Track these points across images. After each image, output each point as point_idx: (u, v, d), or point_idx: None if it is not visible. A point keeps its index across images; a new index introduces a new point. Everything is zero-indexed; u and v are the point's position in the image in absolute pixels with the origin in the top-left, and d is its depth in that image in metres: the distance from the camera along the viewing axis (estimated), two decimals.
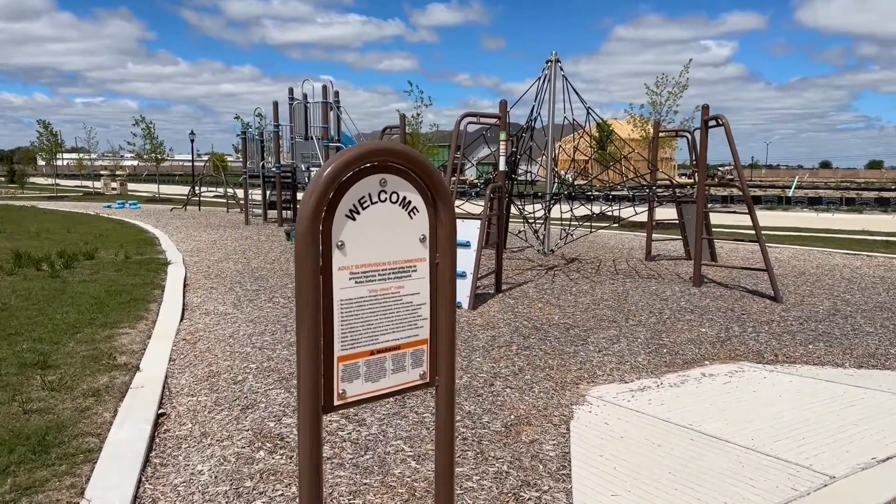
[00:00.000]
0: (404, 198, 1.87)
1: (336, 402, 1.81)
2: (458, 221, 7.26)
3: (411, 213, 1.90)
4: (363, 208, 1.80)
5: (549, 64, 9.39)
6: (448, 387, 2.01)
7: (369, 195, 1.80)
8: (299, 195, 19.64)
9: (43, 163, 63.04)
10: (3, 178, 57.38)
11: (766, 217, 20.17)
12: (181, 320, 6.45)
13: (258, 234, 15.27)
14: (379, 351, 1.88)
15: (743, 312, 6.95)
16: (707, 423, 4.02)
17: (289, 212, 18.92)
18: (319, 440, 1.77)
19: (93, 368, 4.77)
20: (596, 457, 3.53)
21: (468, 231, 7.19)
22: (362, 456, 3.43)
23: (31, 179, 59.06)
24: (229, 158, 56.10)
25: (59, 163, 47.46)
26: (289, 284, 8.48)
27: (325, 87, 17.59)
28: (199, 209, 24.63)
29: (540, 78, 9.59)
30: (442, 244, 1.97)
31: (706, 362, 5.27)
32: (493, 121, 7.64)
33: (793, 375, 5.00)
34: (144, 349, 5.36)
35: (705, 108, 8.22)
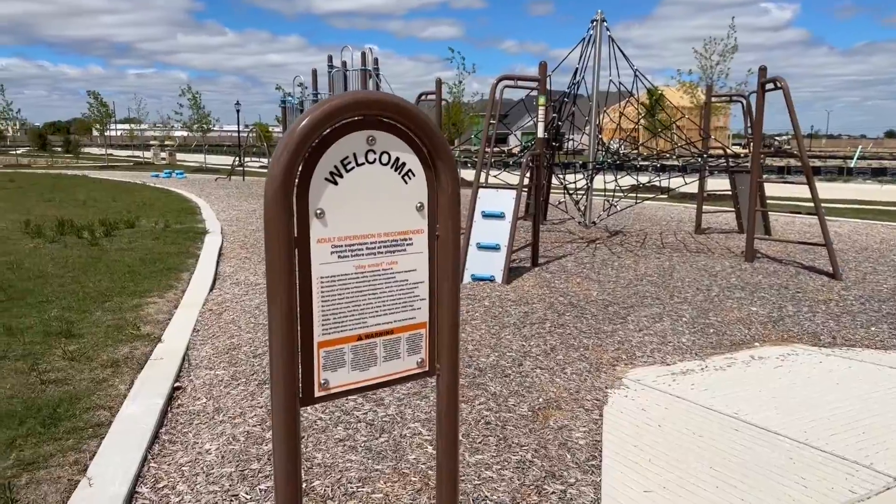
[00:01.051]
0: (397, 159, 1.61)
1: (317, 394, 1.58)
2: (492, 191, 6.96)
3: (406, 177, 1.63)
4: (347, 170, 1.54)
5: (595, 24, 8.88)
6: (450, 377, 1.76)
7: (354, 155, 1.54)
8: None
9: (97, 133, 64.87)
10: (59, 149, 59.31)
11: (826, 189, 19.10)
12: (211, 290, 6.37)
13: None
14: (368, 336, 1.63)
15: (798, 290, 6.48)
16: (755, 411, 3.68)
17: None
18: (296, 436, 1.55)
19: (115, 338, 4.71)
20: (629, 447, 3.25)
21: (503, 201, 6.87)
22: (377, 439, 3.23)
23: (86, 149, 60.91)
24: (275, 130, 56.55)
25: (112, 133, 48.65)
26: None
27: (363, 54, 17.28)
28: (244, 179, 24.84)
29: (584, 40, 9.08)
30: (444, 213, 1.70)
31: (756, 344, 4.89)
32: (532, 85, 7.25)
33: (852, 360, 4.58)
34: (170, 319, 5.28)
35: (762, 69, 7.62)
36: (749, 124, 10.29)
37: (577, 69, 9.02)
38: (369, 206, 1.58)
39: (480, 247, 6.81)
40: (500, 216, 6.84)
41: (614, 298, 6.05)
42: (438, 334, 1.74)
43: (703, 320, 5.39)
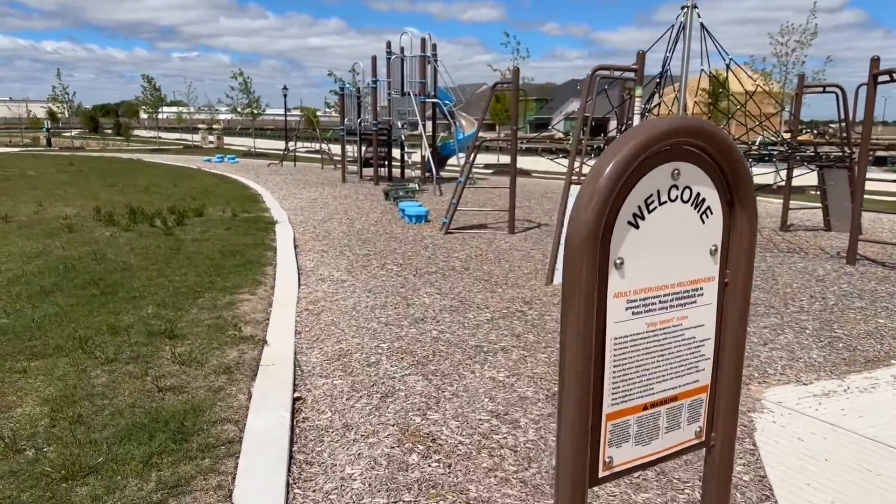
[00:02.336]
0: (698, 195, 1.35)
1: (601, 473, 1.35)
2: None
3: (703, 216, 1.38)
4: (649, 211, 1.29)
5: (685, 10, 8.42)
6: (726, 449, 1.51)
7: (658, 193, 1.30)
8: (395, 153, 19.39)
9: (145, 116, 66.04)
10: (109, 131, 60.59)
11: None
12: (299, 286, 6.24)
13: (356, 192, 15.11)
14: (653, 404, 1.40)
15: None
16: None
17: (384, 170, 18.70)
18: None
19: (220, 340, 4.59)
20: (802, 485, 2.97)
21: None
22: (526, 470, 3.01)
23: (135, 132, 62.13)
24: (319, 115, 56.81)
25: (160, 116, 49.44)
26: (397, 250, 8.17)
27: (423, 40, 17.01)
28: (295, 165, 24.91)
29: (673, 26, 8.64)
30: (737, 257, 1.44)
31: (893, 361, 4.52)
32: (629, 74, 6.89)
33: None
34: (268, 319, 5.15)
35: (875, 60, 7.11)
36: (843, 117, 9.73)
37: (666, 57, 8.60)
38: (665, 252, 1.34)
39: None
40: None
41: None
42: (718, 398, 1.49)
43: (828, 333, 5.02)
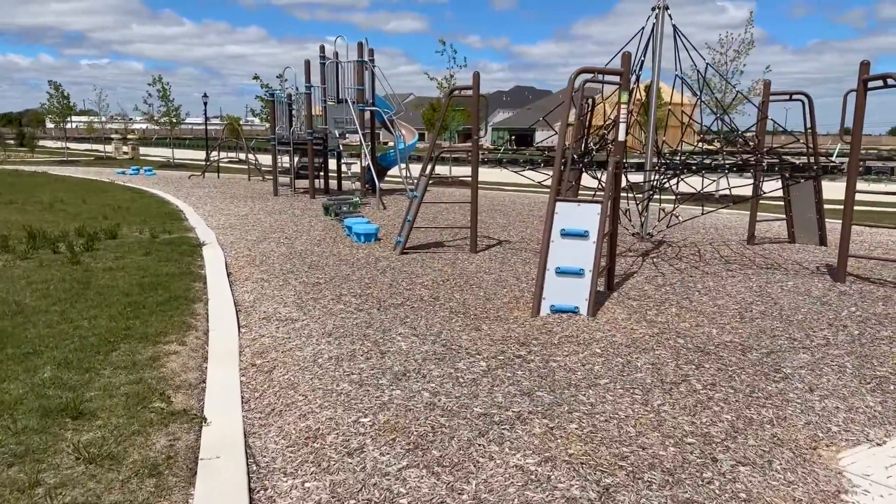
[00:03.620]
0: None
1: None
2: (572, 205, 5.85)
3: None
4: None
5: (656, 12, 7.84)
6: None
7: None
8: (331, 163, 18.22)
9: (52, 125, 61.59)
10: (12, 142, 56.07)
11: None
12: (239, 330, 5.12)
13: (291, 207, 13.89)
14: None
15: None
16: None
17: (320, 181, 17.51)
18: None
19: (142, 418, 3.46)
20: None
21: (585, 217, 5.77)
22: None
23: (41, 143, 57.75)
24: (242, 123, 54.45)
25: (69, 126, 46.01)
26: (351, 276, 7.13)
27: (360, 45, 15.98)
28: (219, 176, 23.27)
29: (643, 29, 8.05)
30: None
31: None
32: (614, 79, 6.16)
33: None
34: (204, 381, 4.05)
35: (865, 64, 6.68)
36: (810, 125, 9.41)
37: (641, 61, 7.98)
38: None
39: (560, 272, 5.71)
40: (584, 235, 5.74)
41: (742, 339, 5.01)
42: None
43: (870, 372, 4.38)
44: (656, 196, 9.05)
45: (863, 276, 7.42)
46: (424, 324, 5.26)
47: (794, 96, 9.39)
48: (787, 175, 8.80)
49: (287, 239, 9.64)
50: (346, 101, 15.85)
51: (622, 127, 6.20)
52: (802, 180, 9.38)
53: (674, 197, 8.45)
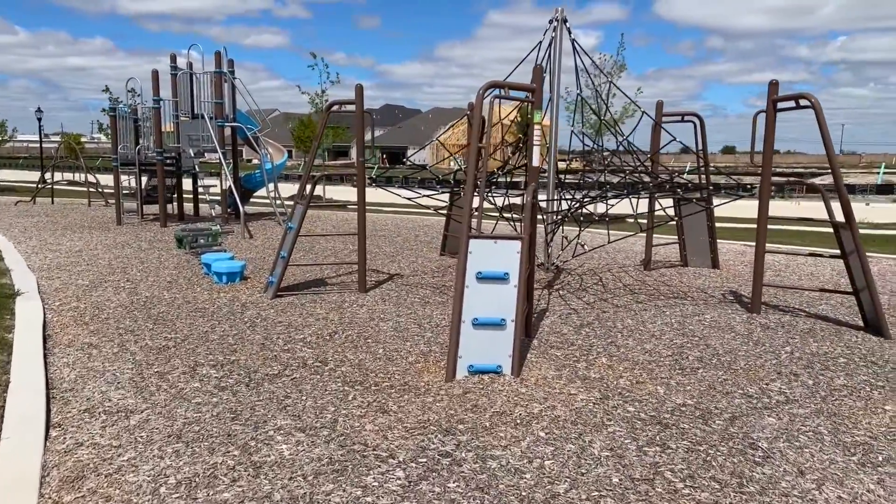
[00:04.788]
0: None
1: None
2: (489, 243, 4.89)
3: None
4: None
5: (554, 24, 7.18)
6: None
7: None
8: (187, 184, 16.19)
9: None
10: None
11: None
12: (48, 435, 3.62)
13: (137, 238, 11.92)
14: None
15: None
16: None
17: (172, 205, 15.48)
18: None
19: None
20: None
21: (504, 256, 4.83)
22: None
23: None
24: (85, 141, 49.34)
25: None
26: (211, 333, 5.72)
27: (218, 54, 14.32)
28: (52, 202, 20.21)
29: (541, 42, 7.36)
30: None
31: None
32: (522, 94, 5.31)
33: None
34: None
35: (774, 84, 6.36)
36: (701, 146, 9.22)
37: (544, 78, 7.26)
38: None
39: (478, 323, 4.71)
40: (503, 278, 4.79)
41: (695, 399, 4.25)
42: None
43: (849, 437, 3.74)
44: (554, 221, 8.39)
45: (772, 304, 7.10)
46: (312, 406, 4.03)
47: (686, 117, 9.16)
48: (680, 195, 8.47)
49: (129, 282, 7.92)
50: (203, 116, 14.08)
51: (536, 150, 5.36)
52: (695, 201, 9.13)
53: (577, 223, 7.81)
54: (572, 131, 8.17)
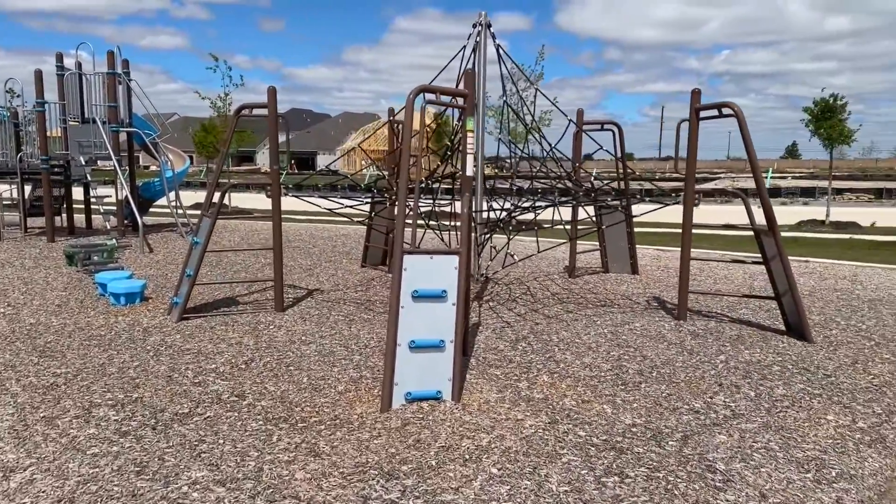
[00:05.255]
0: None
1: None
2: (424, 258, 4.55)
3: None
4: None
5: (478, 29, 6.96)
6: None
7: None
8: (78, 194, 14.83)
9: None
10: None
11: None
12: None
13: (20, 255, 10.72)
14: None
15: (830, 373, 5.14)
16: None
17: (60, 218, 14.15)
18: None
19: None
20: None
21: (441, 272, 4.50)
22: None
23: None
24: None
25: None
26: (108, 365, 5.05)
27: (111, 54, 13.20)
28: None
29: (465, 48, 7.11)
30: None
31: None
32: (452, 99, 5.01)
33: None
34: None
35: (696, 92, 6.40)
36: (620, 154, 9.29)
37: (476, 88, 6.99)
38: None
39: (415, 346, 4.36)
40: (441, 296, 4.46)
41: (644, 419, 4.08)
42: None
43: (800, 452, 3.67)
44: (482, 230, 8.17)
45: (694, 310, 7.16)
46: (231, 452, 3.54)
47: (606, 126, 9.20)
48: (606, 203, 8.48)
49: (10, 307, 7.00)
50: (95, 120, 12.93)
51: (469, 159, 5.07)
52: (620, 209, 9.19)
53: (508, 232, 7.61)
54: (499, 139, 7.90)
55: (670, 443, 3.73)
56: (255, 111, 6.90)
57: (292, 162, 77.07)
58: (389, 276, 9.15)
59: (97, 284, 7.70)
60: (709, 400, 4.43)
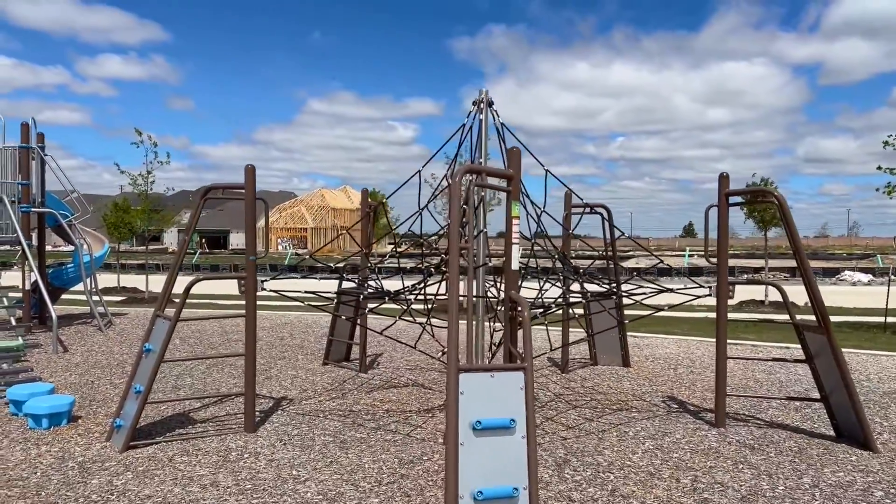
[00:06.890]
0: None
1: None
2: (484, 377, 3.59)
3: None
4: None
5: (478, 107, 6.31)
6: None
7: None
8: None
9: None
10: None
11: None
12: None
13: None
14: None
15: None
16: None
17: None
18: None
19: None
20: None
21: (506, 394, 3.54)
22: None
23: None
24: None
25: None
26: None
27: (25, 126, 11.74)
28: None
29: (464, 124, 6.42)
30: None
31: None
32: (501, 182, 4.21)
33: None
34: None
35: (724, 177, 5.92)
36: (610, 237, 8.76)
37: (473, 158, 6.26)
38: None
39: (482, 498, 3.33)
40: (509, 427, 3.48)
41: None
42: None
43: None
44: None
45: (732, 415, 6.34)
46: None
47: (596, 209, 8.68)
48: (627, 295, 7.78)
49: None
50: (2, 199, 11.27)
51: (516, 250, 4.24)
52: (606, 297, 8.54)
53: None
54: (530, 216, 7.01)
55: None
56: (227, 192, 5.85)
57: (202, 240, 73.76)
58: (362, 376, 8.00)
59: (9, 402, 6.14)
60: None
